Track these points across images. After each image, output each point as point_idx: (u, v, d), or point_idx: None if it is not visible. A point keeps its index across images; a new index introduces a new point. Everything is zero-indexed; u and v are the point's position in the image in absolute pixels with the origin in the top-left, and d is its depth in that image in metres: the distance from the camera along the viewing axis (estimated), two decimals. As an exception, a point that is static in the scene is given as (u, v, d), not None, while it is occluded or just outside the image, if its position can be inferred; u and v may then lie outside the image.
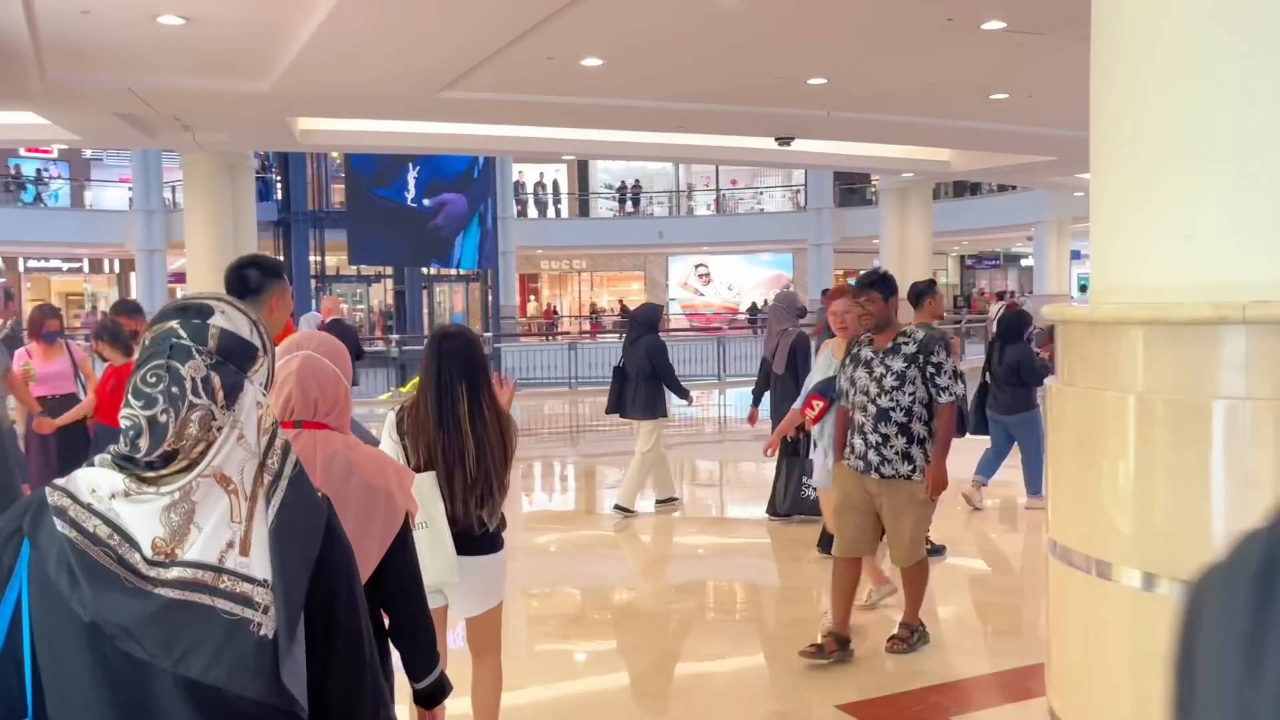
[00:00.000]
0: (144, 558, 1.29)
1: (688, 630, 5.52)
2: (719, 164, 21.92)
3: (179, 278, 23.48)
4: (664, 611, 5.83)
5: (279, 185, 26.09)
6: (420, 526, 2.96)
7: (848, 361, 4.66)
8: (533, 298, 37.22)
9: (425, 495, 3.03)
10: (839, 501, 4.67)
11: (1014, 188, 28.94)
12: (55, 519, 1.30)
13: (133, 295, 24.73)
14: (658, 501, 8.10)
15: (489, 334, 23.26)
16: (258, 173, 20.85)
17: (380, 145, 14.69)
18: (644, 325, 8.02)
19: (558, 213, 34.70)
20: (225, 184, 14.52)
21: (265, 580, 1.32)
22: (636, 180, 35.20)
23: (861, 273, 5.04)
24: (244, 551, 1.32)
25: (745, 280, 36.17)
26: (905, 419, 4.40)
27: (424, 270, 27.78)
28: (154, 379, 1.32)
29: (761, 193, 35.30)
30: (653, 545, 7.59)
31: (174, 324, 1.36)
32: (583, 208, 35.74)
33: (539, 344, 26.37)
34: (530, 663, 4.77)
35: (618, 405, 7.92)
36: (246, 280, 3.12)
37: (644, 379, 7.68)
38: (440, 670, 2.22)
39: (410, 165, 23.15)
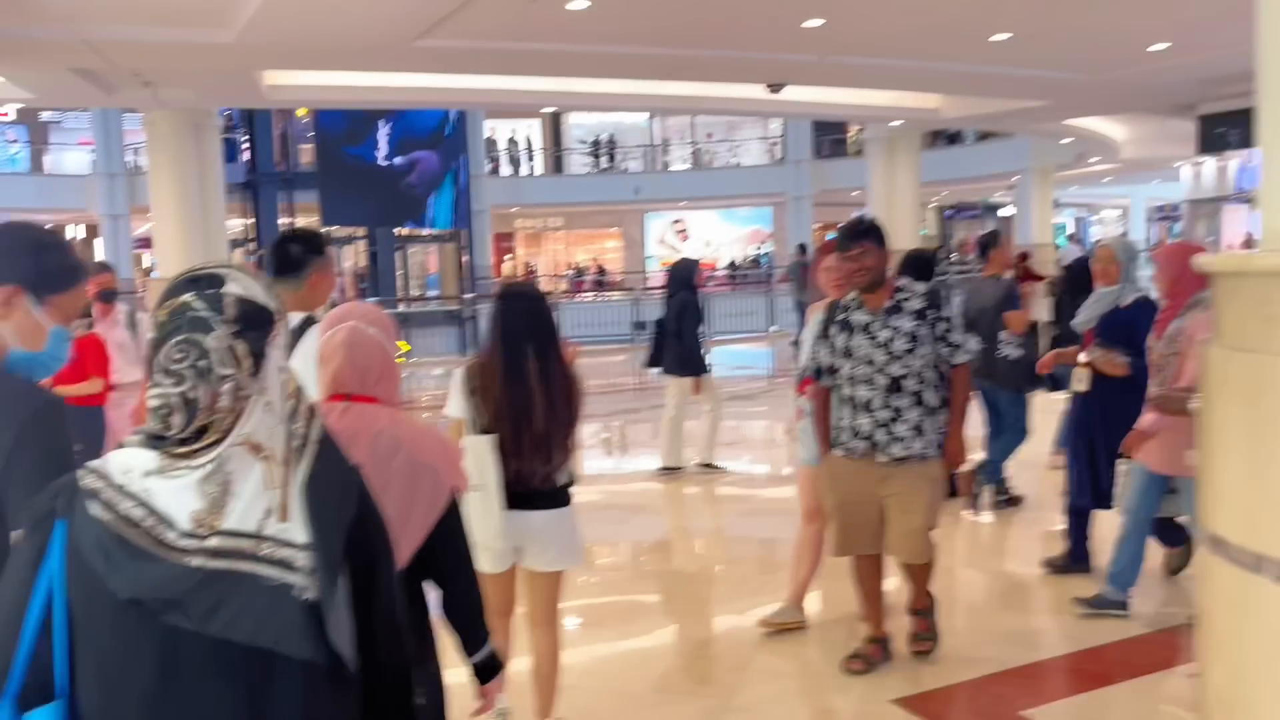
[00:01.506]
0: (181, 532, 1.29)
1: (733, 601, 5.19)
2: (704, 113, 21.38)
3: (144, 243, 22.75)
4: (710, 580, 5.51)
5: (245, 146, 25.28)
6: (475, 488, 2.95)
7: (832, 330, 3.94)
8: (508, 257, 36.59)
9: (483, 457, 3.08)
10: (838, 499, 4.00)
11: (995, 136, 28.58)
12: (89, 502, 1.30)
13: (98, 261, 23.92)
14: (661, 468, 7.90)
15: (468, 295, 22.77)
16: (223, 133, 20.15)
17: (352, 100, 14.04)
18: (680, 281, 7.95)
19: (531, 170, 34.01)
20: (190, 144, 13.83)
21: (306, 544, 1.32)
22: (611, 135, 34.50)
23: (841, 224, 4.33)
24: (283, 517, 1.32)
25: (723, 236, 35.69)
26: (918, 387, 3.83)
27: (396, 231, 27.14)
28: (180, 355, 1.30)
29: (739, 146, 34.69)
30: (697, 507, 7.44)
31: (187, 297, 1.33)
32: (557, 164, 35.02)
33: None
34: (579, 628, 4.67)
35: (656, 359, 7.98)
36: (288, 255, 3.05)
37: (676, 336, 7.74)
38: (490, 645, 2.28)
39: (381, 122, 22.48)
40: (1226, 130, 16.43)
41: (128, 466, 1.33)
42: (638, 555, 6.16)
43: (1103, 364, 4.69)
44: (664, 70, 12.00)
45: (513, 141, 33.40)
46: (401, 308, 22.16)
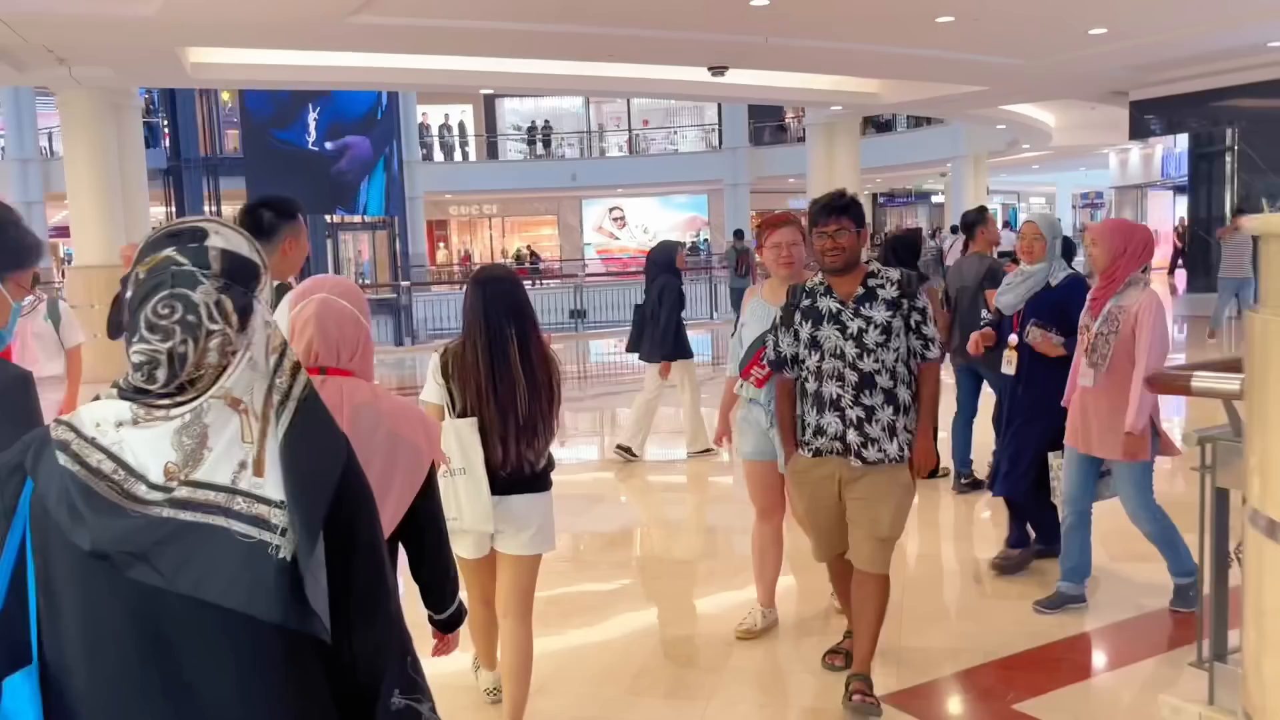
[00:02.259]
0: (150, 485, 1.26)
1: (704, 593, 5.02)
2: (644, 96, 21.13)
3: (61, 231, 21.86)
4: (678, 570, 5.33)
5: (165, 130, 24.42)
6: (459, 472, 3.09)
7: (797, 317, 3.49)
8: (442, 245, 36.02)
9: (466, 441, 3.11)
10: (808, 504, 3.63)
11: (928, 123, 28.84)
12: (58, 453, 1.27)
13: (10, 251, 22.83)
14: (618, 446, 7.79)
15: (406, 283, 22.32)
16: (143, 116, 19.37)
17: (280, 80, 13.55)
18: (660, 265, 7.77)
19: (465, 156, 33.52)
20: (109, 126, 13.18)
21: (281, 501, 1.28)
22: (546, 121, 34.13)
23: (810, 199, 3.78)
24: (258, 472, 1.28)
25: (661, 223, 35.53)
26: (891, 383, 3.43)
27: (327, 218, 26.47)
28: (166, 310, 1.27)
29: (675, 132, 34.55)
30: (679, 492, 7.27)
31: (170, 251, 1.30)
32: (491, 150, 34.56)
33: (454, 293, 25.43)
34: (555, 614, 4.48)
35: (635, 345, 7.86)
36: (259, 221, 3.03)
37: (656, 320, 7.55)
38: (459, 601, 2.30)
39: (310, 106, 21.82)
40: (1154, 117, 16.71)
41: (100, 418, 1.29)
42: (601, 545, 5.94)
43: (1041, 345, 4.48)
44: (606, 50, 11.77)
45: (445, 127, 32.84)
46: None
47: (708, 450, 7.65)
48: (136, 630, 1.27)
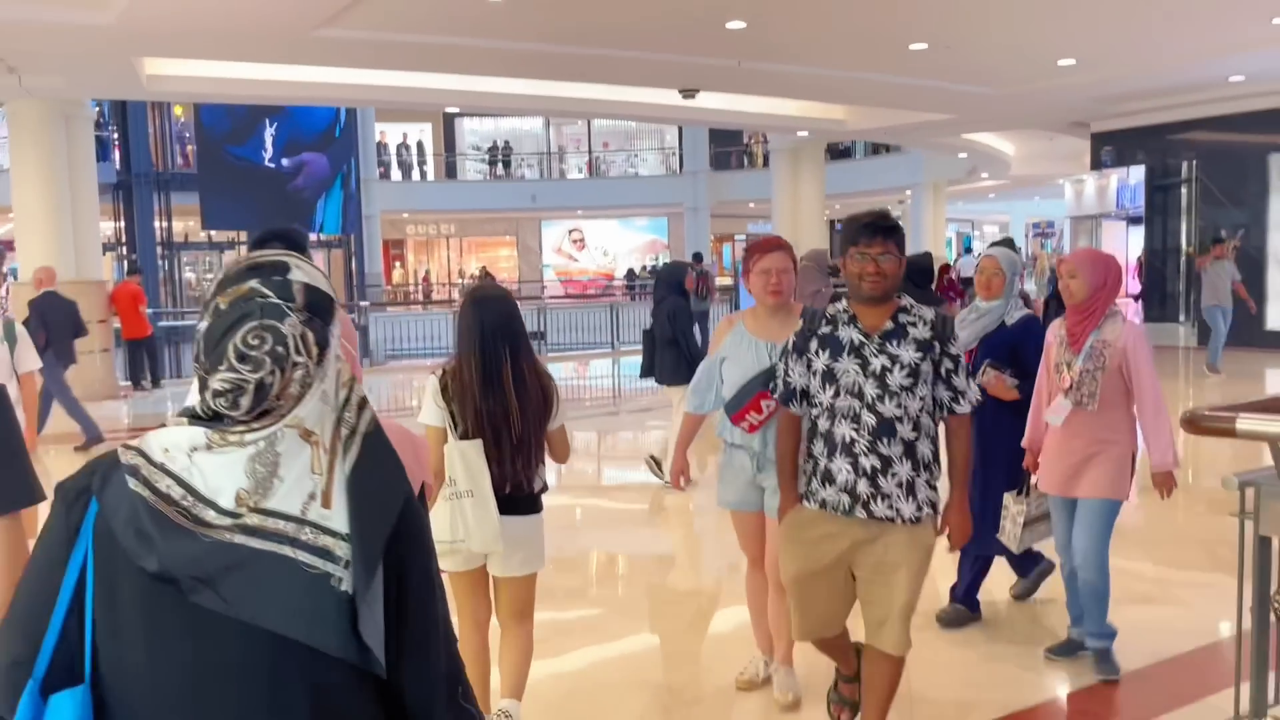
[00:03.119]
0: (221, 511, 1.28)
1: (702, 625, 4.76)
2: (612, 118, 21.03)
3: (5, 245, 21.14)
4: (679, 602, 5.04)
5: (116, 144, 23.84)
6: (466, 495, 3.09)
7: (814, 345, 3.11)
8: (398, 264, 35.57)
9: (473, 463, 3.11)
10: (799, 567, 3.15)
11: (887, 151, 29.06)
12: (128, 478, 1.28)
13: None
14: (651, 457, 7.68)
15: (364, 303, 21.92)
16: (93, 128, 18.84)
17: (240, 94, 13.19)
18: (668, 285, 7.60)
19: (423, 175, 33.17)
20: (59, 137, 12.73)
21: (345, 534, 1.30)
22: (506, 141, 33.92)
23: (857, 214, 3.17)
24: (325, 504, 1.31)
25: (621, 245, 35.42)
26: (913, 434, 3.02)
27: (283, 236, 25.96)
28: (256, 340, 1.30)
29: (636, 155, 34.51)
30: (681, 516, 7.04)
31: (253, 283, 1.33)
32: (450, 170, 34.26)
33: (410, 314, 25.03)
34: (553, 634, 4.31)
35: (649, 369, 7.66)
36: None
37: (668, 343, 7.36)
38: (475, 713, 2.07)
39: (267, 122, 21.43)
40: (1115, 148, 16.92)
41: (169, 444, 1.31)
42: (603, 575, 5.67)
43: (994, 387, 4.19)
44: (577, 71, 11.60)
45: (404, 145, 32.49)
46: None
47: (659, 467, 7.48)
48: (196, 655, 1.28)
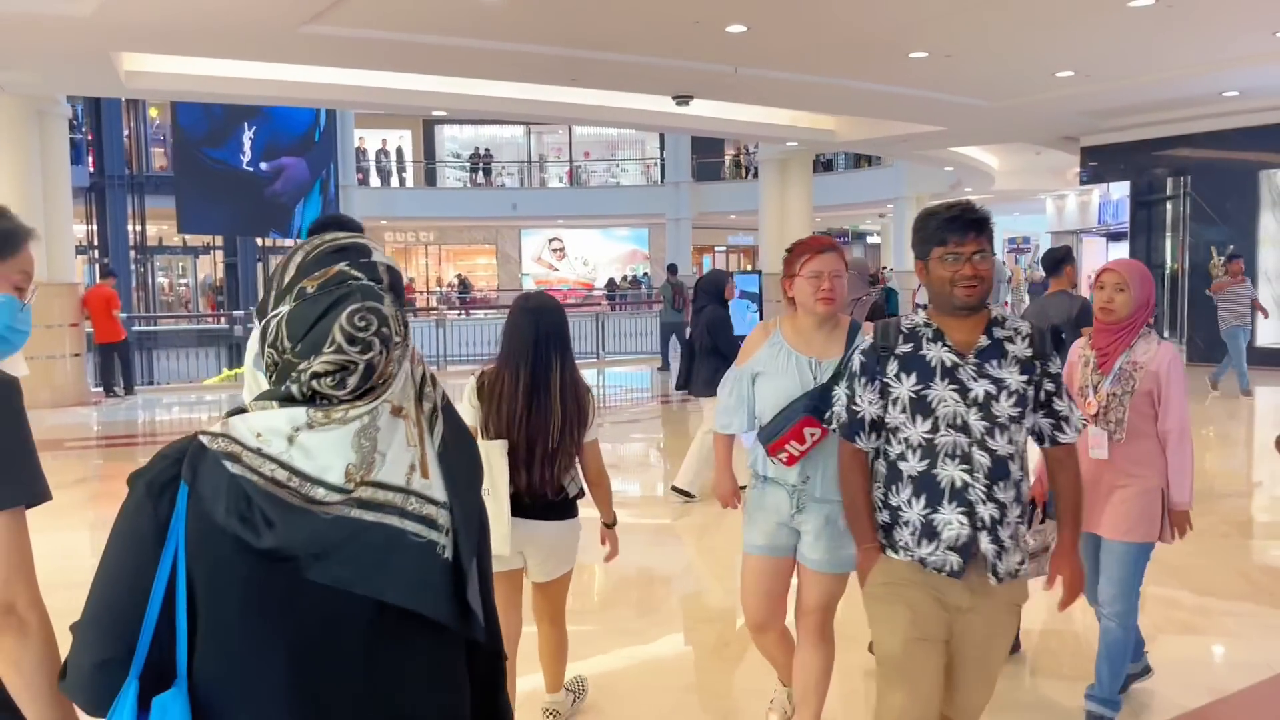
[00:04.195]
0: (329, 488, 1.29)
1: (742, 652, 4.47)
2: (601, 125, 20.71)
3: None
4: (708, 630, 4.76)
5: (89, 146, 23.34)
6: (484, 493, 2.90)
7: (892, 366, 2.61)
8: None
9: (494, 464, 3.12)
10: (908, 630, 2.58)
11: (870, 164, 29.01)
12: (227, 463, 1.28)
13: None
14: (674, 488, 7.39)
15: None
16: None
17: (220, 93, 12.81)
18: (709, 294, 7.35)
19: (402, 182, 32.80)
20: (32, 135, 12.34)
21: (444, 502, 1.34)
22: (487, 149, 33.62)
23: (944, 203, 2.66)
24: (424, 474, 1.34)
25: (601, 255, 35.17)
26: (1020, 474, 2.59)
27: (259, 241, 25.55)
28: (364, 323, 1.32)
29: (618, 165, 34.30)
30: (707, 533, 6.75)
31: (343, 266, 1.35)
32: (429, 177, 33.91)
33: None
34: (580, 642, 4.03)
35: (686, 381, 7.41)
36: None
37: (706, 353, 7.11)
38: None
39: (246, 125, 21.02)
40: (1104, 163, 16.85)
41: (259, 429, 1.30)
42: (631, 593, 5.39)
43: None
44: (570, 74, 11.35)
45: (383, 152, 32.12)
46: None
47: (690, 496, 7.26)
48: (305, 633, 1.29)
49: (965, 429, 2.53)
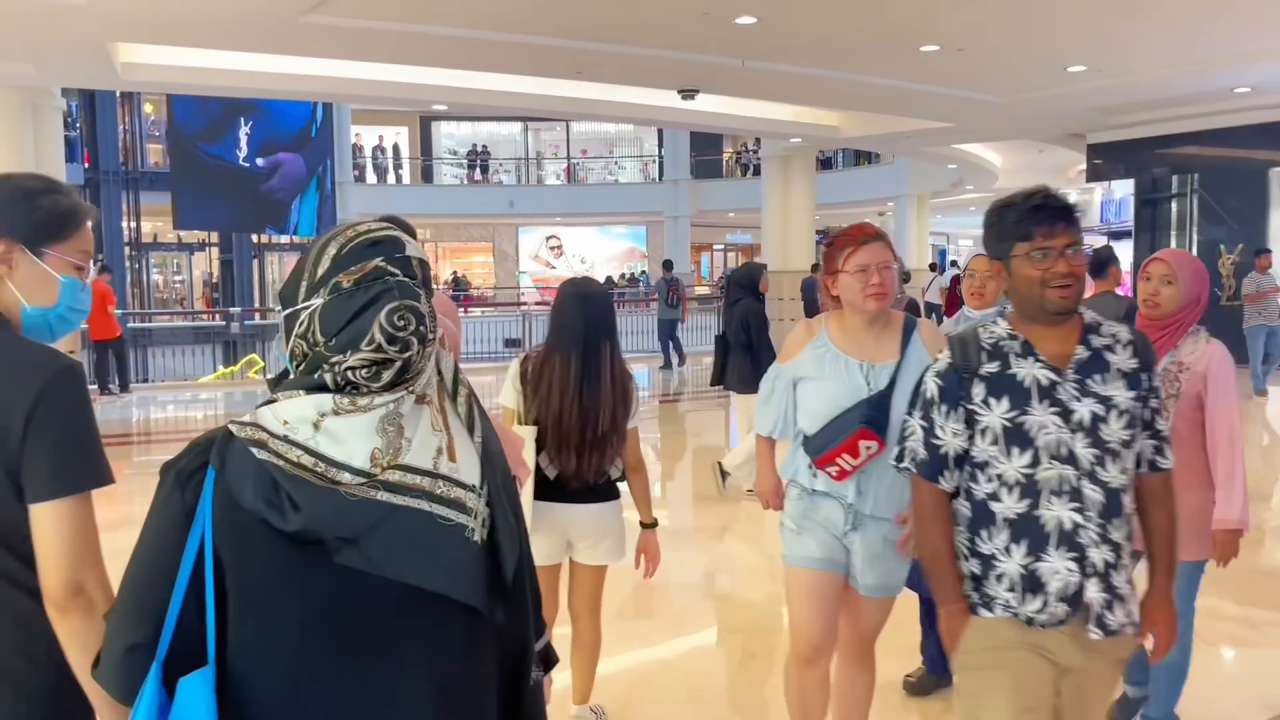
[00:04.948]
0: (355, 473, 1.29)
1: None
2: (604, 119, 20.75)
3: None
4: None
5: (84, 143, 23.11)
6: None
7: (978, 390, 2.22)
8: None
9: (526, 447, 3.10)
10: (1017, 699, 2.20)
11: (870, 161, 28.85)
12: (254, 450, 1.29)
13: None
14: (718, 463, 7.09)
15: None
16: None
17: (218, 85, 12.59)
18: (743, 288, 7.22)
19: (399, 178, 32.61)
20: (26, 128, 12.13)
21: (474, 485, 1.35)
22: (484, 146, 33.41)
23: (1030, 191, 2.28)
24: (452, 457, 1.34)
25: (599, 253, 34.99)
26: (1132, 507, 2.26)
27: (254, 238, 25.33)
28: (403, 322, 1.32)
29: (617, 163, 34.13)
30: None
31: (379, 262, 1.34)
32: (426, 174, 33.70)
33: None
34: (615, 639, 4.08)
35: (720, 377, 7.28)
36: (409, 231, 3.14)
37: (741, 348, 7.00)
38: (547, 638, 1.98)
39: (242, 120, 20.81)
40: (1111, 160, 16.71)
41: (285, 417, 1.31)
42: (649, 600, 5.19)
43: None
44: (574, 68, 11.16)
45: (379, 148, 31.91)
46: (257, 320, 20.48)
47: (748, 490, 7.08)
48: (331, 617, 1.29)
49: (1072, 459, 2.16)
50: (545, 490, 3.22)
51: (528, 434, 3.17)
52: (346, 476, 1.28)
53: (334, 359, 1.31)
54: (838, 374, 2.87)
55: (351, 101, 20.81)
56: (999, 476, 2.21)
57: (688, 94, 11.92)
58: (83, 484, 1.59)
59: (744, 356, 6.95)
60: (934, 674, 3.86)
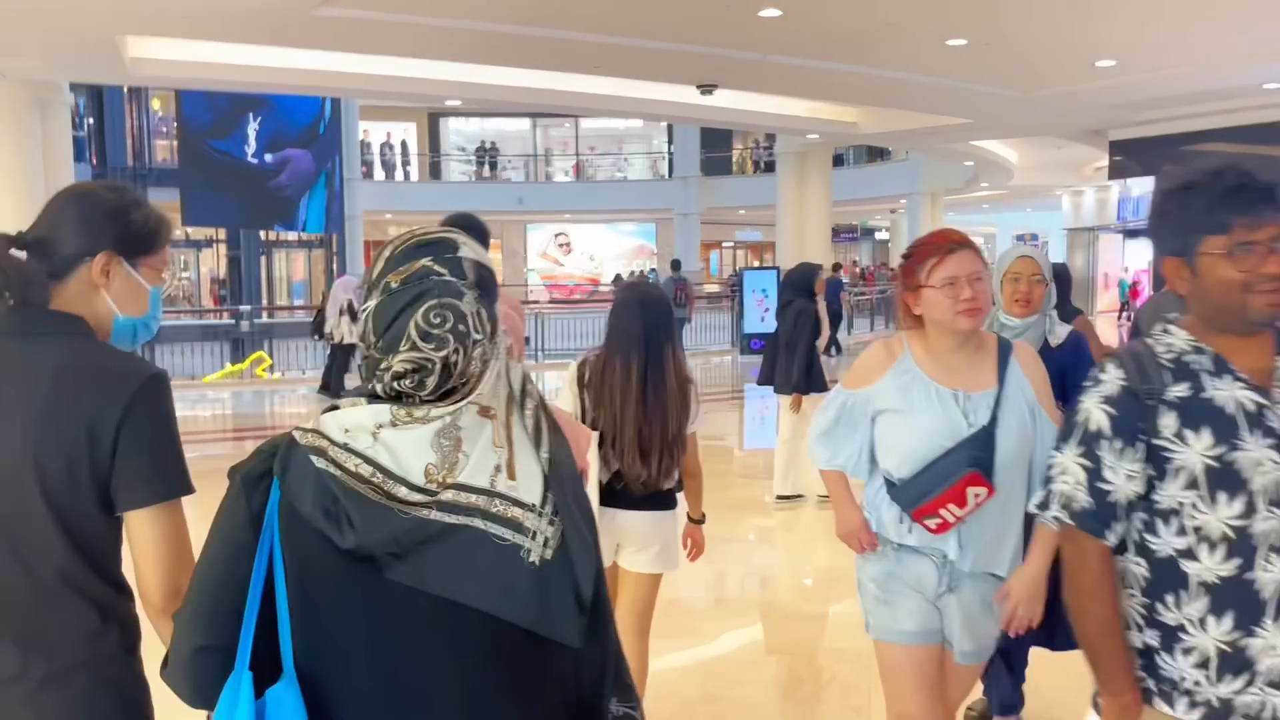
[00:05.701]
0: (412, 487, 1.26)
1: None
2: (619, 115, 20.59)
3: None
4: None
5: (90, 143, 22.97)
6: None
7: (1168, 420, 1.78)
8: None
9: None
10: None
11: (883, 158, 28.60)
12: (313, 458, 1.27)
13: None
14: (779, 497, 7.07)
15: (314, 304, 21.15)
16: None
17: (227, 80, 12.41)
18: (797, 288, 7.08)
19: (407, 175, 32.42)
20: (34, 124, 11.96)
21: (533, 505, 1.30)
22: (493, 142, 33.21)
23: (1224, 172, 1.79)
24: (511, 475, 1.30)
25: (608, 250, 34.77)
26: None
27: (262, 234, 25.18)
28: (439, 319, 1.30)
29: (626, 159, 33.91)
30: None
31: (426, 261, 1.33)
32: (434, 170, 33.52)
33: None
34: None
35: (769, 377, 7.15)
36: (482, 230, 3.05)
37: (791, 350, 6.85)
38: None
39: (250, 116, 20.64)
40: (1133, 157, 16.45)
41: (347, 425, 1.30)
42: (687, 619, 4.95)
43: None
44: (591, 62, 10.95)
45: (387, 145, 31.72)
46: (265, 317, 20.31)
47: (796, 498, 7.01)
48: (389, 632, 1.28)
49: None
50: (601, 494, 3.19)
51: (593, 438, 3.10)
52: (403, 490, 1.26)
53: (382, 363, 1.30)
54: (929, 406, 2.45)
55: (363, 97, 20.59)
56: (1196, 529, 1.76)
57: (706, 89, 11.71)
58: (175, 490, 1.62)
59: (795, 358, 6.85)
60: (1000, 716, 3.56)
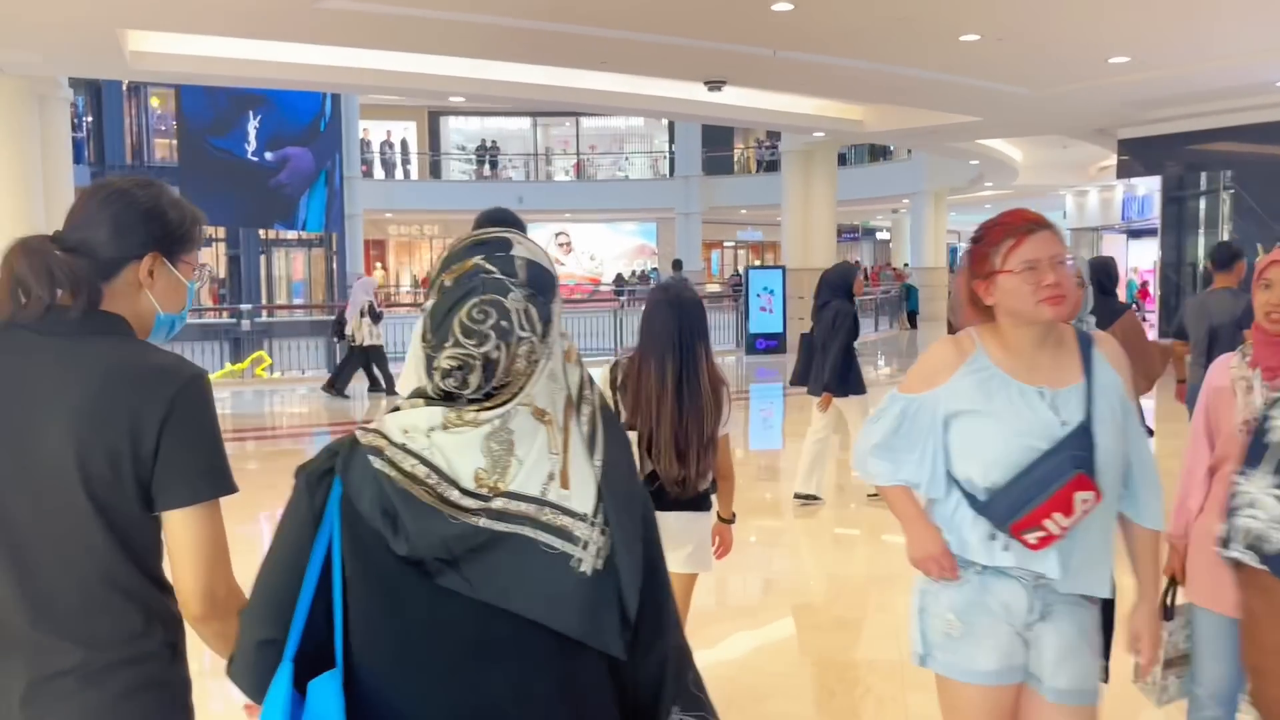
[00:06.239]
0: (464, 491, 1.27)
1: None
2: (625, 113, 20.44)
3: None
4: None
5: (88, 141, 22.79)
6: None
7: None
8: (379, 265, 34.61)
9: None
10: None
11: (886, 157, 28.47)
12: (371, 458, 1.29)
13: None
14: (796, 495, 7.01)
15: (336, 304, 20.98)
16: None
17: (228, 75, 12.24)
18: (834, 288, 6.99)
19: (407, 174, 32.27)
20: (32, 118, 11.77)
21: (585, 514, 1.29)
22: (494, 141, 33.06)
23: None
24: (564, 484, 1.29)
25: (608, 250, 34.63)
26: None
27: (261, 233, 25.01)
28: (481, 315, 1.30)
29: (627, 158, 33.76)
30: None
31: (478, 259, 1.34)
32: (434, 169, 33.36)
33: (411, 316, 24.15)
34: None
35: (803, 377, 7.11)
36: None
37: (827, 351, 6.79)
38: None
39: (251, 114, 20.46)
40: (1141, 156, 16.32)
41: (406, 425, 1.30)
42: (717, 624, 4.81)
43: None
44: (598, 57, 10.81)
45: (387, 143, 31.56)
46: (265, 316, 20.13)
47: (814, 499, 6.92)
48: (440, 637, 1.29)
49: None
50: None
51: (631, 438, 3.06)
52: (455, 494, 1.26)
53: (433, 361, 1.30)
54: (1013, 406, 2.16)
55: (365, 93, 20.49)
56: None
57: (714, 85, 11.56)
58: (216, 490, 1.63)
59: (832, 359, 6.76)
60: None
